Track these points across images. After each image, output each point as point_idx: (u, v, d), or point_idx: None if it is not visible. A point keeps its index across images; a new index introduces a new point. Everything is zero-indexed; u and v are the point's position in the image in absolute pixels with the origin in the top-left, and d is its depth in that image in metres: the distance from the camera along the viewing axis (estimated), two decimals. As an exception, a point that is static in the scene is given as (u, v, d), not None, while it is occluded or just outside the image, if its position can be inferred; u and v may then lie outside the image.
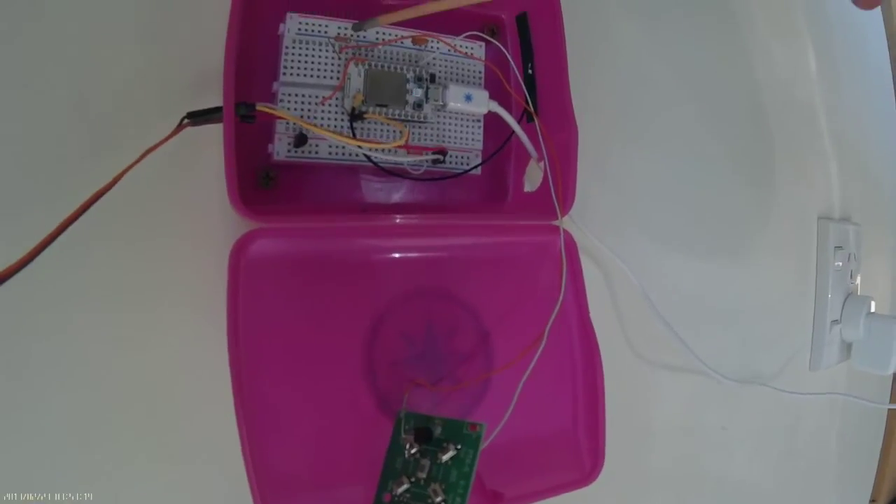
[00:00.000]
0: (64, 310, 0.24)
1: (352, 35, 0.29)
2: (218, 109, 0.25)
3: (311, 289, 0.27)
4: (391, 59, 0.30)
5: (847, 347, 0.52)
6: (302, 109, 0.28)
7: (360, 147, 0.27)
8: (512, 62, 0.32)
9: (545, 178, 0.31)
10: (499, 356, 0.30)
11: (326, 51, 0.29)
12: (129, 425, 0.25)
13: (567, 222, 0.32)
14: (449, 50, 0.31)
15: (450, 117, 0.31)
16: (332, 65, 0.29)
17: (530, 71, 0.32)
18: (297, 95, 0.28)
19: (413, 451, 0.26)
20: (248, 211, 0.24)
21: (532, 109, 0.31)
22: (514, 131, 0.31)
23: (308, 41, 0.28)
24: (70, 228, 0.21)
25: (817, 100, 0.51)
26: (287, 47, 0.28)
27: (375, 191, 0.30)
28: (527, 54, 0.33)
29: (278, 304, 0.26)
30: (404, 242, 0.28)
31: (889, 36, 0.59)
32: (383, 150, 0.28)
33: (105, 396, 0.25)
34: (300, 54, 0.28)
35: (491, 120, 0.32)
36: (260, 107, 0.26)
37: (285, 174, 0.29)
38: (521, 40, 0.33)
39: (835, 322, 0.50)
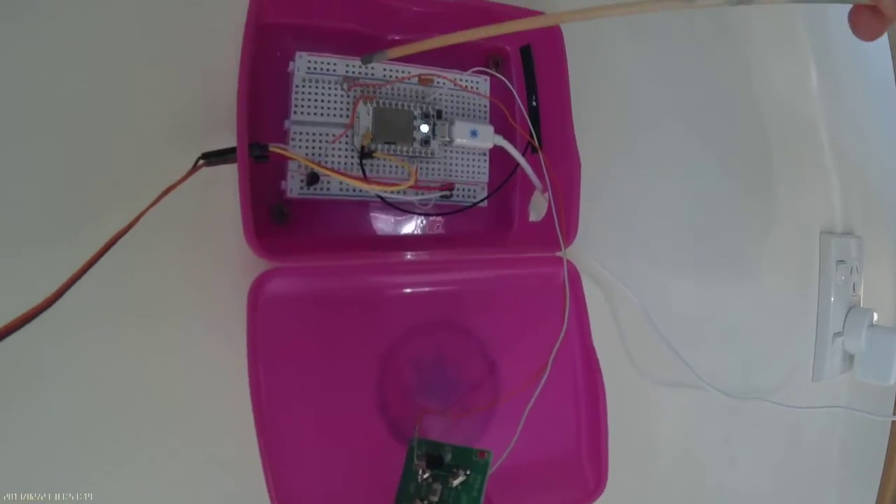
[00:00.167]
0: (83, 353, 0.25)
1: (359, 76, 0.30)
2: (232, 150, 0.26)
3: (325, 323, 0.28)
4: (398, 96, 0.31)
5: (849, 359, 0.52)
6: (313, 148, 0.29)
7: (370, 189, 0.28)
8: (516, 95, 0.33)
9: (549, 208, 0.32)
10: (505, 383, 0.31)
11: (336, 89, 0.30)
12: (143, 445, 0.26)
13: (569, 248, 0.33)
14: (455, 83, 0.32)
15: (456, 152, 0.32)
16: (342, 102, 0.30)
17: (534, 103, 0.33)
18: (308, 134, 0.29)
19: (425, 475, 0.27)
20: (264, 252, 0.25)
21: (536, 143, 0.32)
22: (518, 164, 0.32)
23: (318, 80, 0.29)
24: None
25: (818, 114, 0.51)
26: (297, 86, 0.29)
27: (385, 224, 0.31)
28: (531, 86, 0.33)
29: (295, 339, 0.27)
30: (414, 279, 0.29)
31: (893, 47, 0.59)
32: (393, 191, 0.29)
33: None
34: (310, 93, 0.29)
35: (496, 151, 0.33)
36: (273, 148, 0.27)
37: (298, 209, 0.30)
38: (526, 72, 0.34)
39: (837, 334, 0.50)
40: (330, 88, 0.30)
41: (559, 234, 0.31)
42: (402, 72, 0.31)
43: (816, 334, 0.50)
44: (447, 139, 0.30)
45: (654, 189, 0.41)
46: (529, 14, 0.32)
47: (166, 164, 0.26)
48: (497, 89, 0.33)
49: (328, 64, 0.30)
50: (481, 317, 0.30)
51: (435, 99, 0.31)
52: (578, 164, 0.32)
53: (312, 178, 0.29)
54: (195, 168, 0.26)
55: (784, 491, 0.49)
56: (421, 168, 0.31)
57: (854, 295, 0.52)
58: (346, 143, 0.30)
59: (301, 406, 0.27)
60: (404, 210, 0.30)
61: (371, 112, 0.30)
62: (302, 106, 0.29)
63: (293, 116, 0.29)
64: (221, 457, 0.27)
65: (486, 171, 0.32)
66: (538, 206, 0.33)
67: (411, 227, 0.31)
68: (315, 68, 0.29)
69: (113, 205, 0.25)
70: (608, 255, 0.36)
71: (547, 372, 0.29)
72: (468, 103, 0.32)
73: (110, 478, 0.25)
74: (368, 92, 0.30)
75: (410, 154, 0.30)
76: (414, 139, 0.30)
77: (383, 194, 0.29)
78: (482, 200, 0.32)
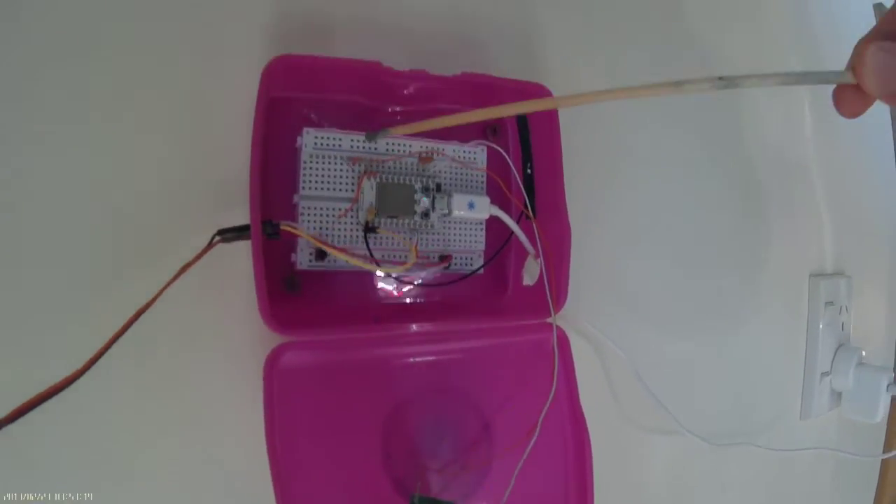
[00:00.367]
0: (99, 422, 0.27)
1: (363, 150, 0.32)
2: (246, 227, 0.28)
3: (335, 389, 0.30)
4: (400, 170, 0.33)
5: (837, 396, 0.54)
6: (320, 221, 0.31)
7: (374, 269, 0.30)
8: (512, 165, 0.35)
9: (541, 276, 0.33)
10: (500, 442, 0.33)
11: (341, 164, 0.32)
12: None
13: (561, 310, 0.34)
14: (453, 158, 0.34)
15: (454, 223, 0.33)
16: (347, 177, 0.32)
17: (529, 170, 0.35)
18: (316, 208, 0.31)
19: (424, 530, 0.30)
20: (277, 326, 0.27)
21: (531, 214, 0.34)
22: (513, 232, 0.34)
23: (324, 155, 0.31)
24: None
25: (811, 156, 0.53)
26: (305, 162, 0.31)
27: (389, 292, 0.33)
28: (526, 153, 0.35)
29: (308, 405, 0.29)
30: (416, 349, 0.31)
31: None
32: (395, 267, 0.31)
33: None
34: (317, 169, 0.31)
35: (492, 217, 0.34)
36: (284, 226, 0.29)
37: (308, 279, 0.32)
38: (521, 139, 0.35)
39: (825, 373, 0.52)
40: (336, 164, 0.31)
41: (550, 301, 0.33)
42: (404, 146, 0.33)
43: (804, 374, 0.51)
44: (446, 211, 0.32)
45: (643, 245, 0.43)
46: (527, 86, 0.34)
47: (181, 238, 0.27)
48: (494, 155, 0.35)
49: (334, 139, 0.31)
50: (478, 381, 0.33)
51: (434, 172, 0.33)
52: (569, 233, 0.33)
53: (321, 253, 0.31)
54: (211, 245, 0.28)
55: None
56: (421, 239, 0.33)
57: (843, 333, 0.54)
58: (352, 217, 0.32)
59: (313, 465, 0.29)
60: (406, 281, 0.32)
61: (374, 187, 0.31)
62: (310, 181, 0.31)
63: (301, 192, 0.31)
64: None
65: (483, 239, 0.34)
66: (532, 271, 0.35)
67: (413, 291, 0.33)
68: (322, 144, 0.31)
69: (132, 280, 0.27)
70: (598, 314, 0.38)
71: (537, 432, 0.32)
72: (466, 175, 0.34)
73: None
74: (372, 167, 0.32)
75: (411, 227, 0.32)
76: (415, 212, 0.32)
77: (386, 273, 0.31)
78: (479, 269, 0.34)
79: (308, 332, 0.29)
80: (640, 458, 0.42)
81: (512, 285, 0.35)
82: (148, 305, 0.26)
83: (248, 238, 0.28)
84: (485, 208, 0.33)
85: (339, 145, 0.32)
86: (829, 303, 0.52)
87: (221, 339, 0.30)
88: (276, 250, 0.31)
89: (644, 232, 0.43)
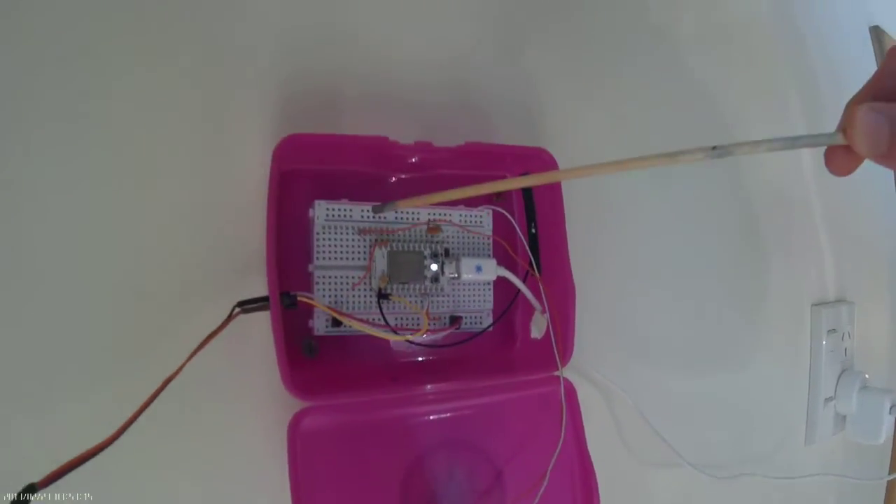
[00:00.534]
0: (128, 483, 0.28)
1: (373, 221, 0.34)
2: (265, 299, 0.30)
3: (354, 447, 0.32)
4: (410, 238, 0.34)
5: (842, 419, 0.55)
6: (335, 289, 0.33)
7: (388, 338, 0.32)
8: (517, 227, 0.36)
9: (548, 330, 0.35)
10: (511, 490, 0.35)
11: (353, 234, 0.33)
12: None
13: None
14: (460, 225, 0.35)
15: (463, 285, 0.35)
16: (359, 246, 0.33)
17: (533, 230, 0.37)
18: (330, 277, 0.33)
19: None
20: (298, 392, 0.29)
21: (536, 273, 0.35)
22: (520, 290, 0.35)
23: (336, 226, 0.33)
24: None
25: (811, 189, 0.54)
26: (318, 234, 0.33)
27: (403, 353, 0.35)
28: (530, 214, 0.37)
29: (330, 463, 0.31)
30: (432, 408, 0.33)
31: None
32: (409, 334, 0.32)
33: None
34: (330, 239, 0.33)
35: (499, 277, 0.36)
36: (301, 297, 0.31)
37: (326, 343, 0.33)
38: (525, 202, 0.37)
39: (829, 399, 0.53)
40: (347, 234, 0.33)
41: (556, 355, 0.34)
42: (413, 214, 0.34)
43: (808, 401, 0.53)
44: (455, 275, 0.34)
45: (645, 286, 0.44)
46: (529, 151, 0.35)
47: (201, 308, 0.29)
48: (499, 217, 0.36)
49: (345, 210, 0.33)
50: (490, 433, 0.34)
51: (443, 238, 0.35)
52: (573, 290, 0.35)
53: (337, 321, 0.33)
54: (232, 316, 0.30)
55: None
56: (432, 302, 0.34)
57: (846, 358, 0.55)
58: (366, 284, 0.33)
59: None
60: (419, 344, 0.34)
61: (386, 256, 0.33)
62: (323, 251, 0.33)
63: (316, 262, 0.33)
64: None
65: (491, 298, 0.36)
66: (539, 324, 0.37)
67: (426, 353, 0.35)
68: (333, 215, 0.33)
69: (157, 351, 0.28)
70: (602, 359, 0.40)
71: (546, 479, 0.33)
72: (473, 239, 0.36)
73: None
74: (382, 237, 0.34)
75: (422, 291, 0.34)
76: (425, 277, 0.34)
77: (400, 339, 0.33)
78: (489, 327, 0.35)
79: (327, 396, 0.31)
80: (647, 495, 0.44)
81: (520, 339, 0.37)
82: (174, 375, 0.27)
83: (267, 309, 0.30)
84: (492, 270, 0.35)
85: (350, 216, 0.33)
86: (832, 330, 0.53)
87: (245, 402, 0.31)
88: (295, 316, 0.32)
89: (645, 273, 0.44)
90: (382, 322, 0.33)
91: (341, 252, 0.33)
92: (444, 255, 0.34)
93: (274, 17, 0.33)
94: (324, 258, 0.33)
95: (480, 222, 0.36)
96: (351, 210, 0.33)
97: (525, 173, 0.37)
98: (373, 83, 0.35)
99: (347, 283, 0.33)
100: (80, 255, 0.28)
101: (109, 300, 0.29)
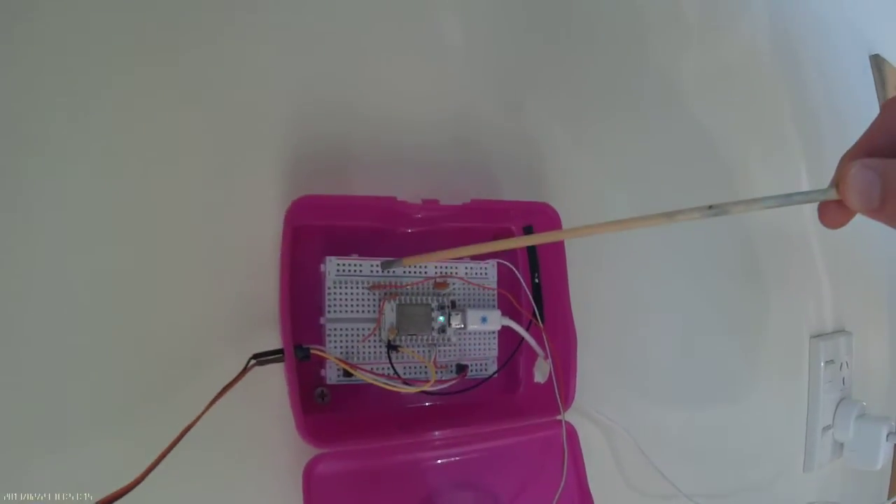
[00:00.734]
0: None
1: (382, 285, 0.35)
2: (279, 352, 0.32)
3: (366, 491, 0.34)
4: (417, 291, 0.36)
5: (839, 447, 0.56)
6: (346, 341, 0.35)
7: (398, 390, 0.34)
8: (520, 277, 0.38)
9: (551, 376, 0.37)
10: (515, 530, 0.36)
11: (363, 288, 0.35)
12: None
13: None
14: (466, 279, 0.37)
15: (469, 335, 0.37)
16: (369, 299, 0.35)
17: (537, 280, 0.38)
18: (341, 329, 0.34)
19: None
20: (312, 439, 0.31)
21: (540, 323, 0.37)
22: (524, 338, 0.37)
23: (346, 281, 0.34)
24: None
25: (810, 225, 0.55)
26: (329, 288, 0.34)
27: (412, 401, 0.36)
28: (533, 264, 0.38)
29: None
30: (439, 453, 0.35)
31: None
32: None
33: None
34: (341, 293, 0.34)
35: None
36: (314, 350, 0.33)
37: (337, 391, 0.35)
38: (529, 252, 0.38)
39: (827, 427, 0.54)
40: (357, 289, 0.35)
41: (559, 400, 0.36)
42: (420, 268, 0.36)
43: (807, 430, 0.54)
44: (461, 326, 0.36)
45: (644, 322, 0.45)
46: (533, 206, 0.37)
47: (219, 360, 0.31)
48: (504, 267, 0.38)
49: (355, 266, 0.35)
50: (496, 475, 0.36)
51: (449, 291, 0.36)
52: (575, 337, 0.36)
53: (348, 372, 0.34)
54: (247, 369, 0.32)
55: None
56: (439, 352, 0.36)
57: (844, 388, 0.56)
58: (375, 336, 0.35)
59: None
60: (427, 392, 0.36)
61: (395, 309, 0.35)
62: (334, 305, 0.34)
63: (328, 314, 0.34)
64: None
65: (496, 346, 0.37)
66: (542, 370, 0.38)
67: (433, 400, 0.37)
68: (343, 270, 0.34)
69: (177, 400, 0.29)
70: (603, 399, 0.41)
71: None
72: (479, 291, 0.37)
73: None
74: (391, 291, 0.35)
75: (430, 342, 0.36)
76: (433, 328, 0.35)
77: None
78: (494, 374, 0.37)
79: (340, 443, 0.33)
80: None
81: (524, 383, 0.39)
82: (192, 424, 0.29)
83: (281, 361, 0.32)
84: (496, 321, 0.36)
85: (360, 271, 0.35)
86: (830, 361, 0.54)
87: (260, 449, 0.33)
88: (307, 366, 0.34)
89: (645, 309, 0.46)
90: (392, 372, 0.34)
91: (352, 305, 0.35)
92: (450, 308, 0.36)
93: (289, 84, 0.34)
94: (335, 311, 0.34)
95: (485, 274, 0.37)
96: (361, 266, 0.35)
97: (529, 226, 0.39)
98: (380, 145, 0.36)
99: (358, 335, 0.35)
100: (110, 311, 0.29)
101: (133, 353, 0.30)
